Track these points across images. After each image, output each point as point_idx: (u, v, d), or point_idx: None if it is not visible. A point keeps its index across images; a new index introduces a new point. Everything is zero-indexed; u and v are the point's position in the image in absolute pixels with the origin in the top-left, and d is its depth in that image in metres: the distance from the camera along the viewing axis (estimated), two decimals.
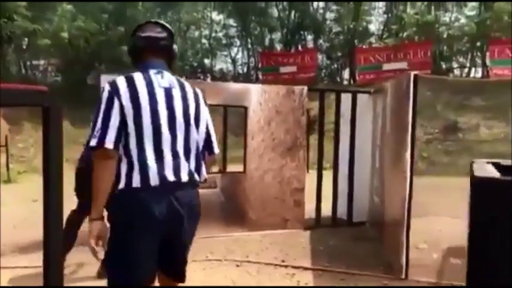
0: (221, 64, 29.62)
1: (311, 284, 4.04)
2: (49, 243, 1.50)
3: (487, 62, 18.57)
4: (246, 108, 5.79)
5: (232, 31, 28.15)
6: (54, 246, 1.53)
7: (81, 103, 10.93)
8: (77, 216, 4.21)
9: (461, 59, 22.52)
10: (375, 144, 5.89)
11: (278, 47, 25.11)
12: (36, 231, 5.70)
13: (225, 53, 28.54)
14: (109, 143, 1.96)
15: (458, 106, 15.69)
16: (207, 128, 2.24)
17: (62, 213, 1.64)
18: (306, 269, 4.42)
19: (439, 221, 5.98)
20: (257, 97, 5.85)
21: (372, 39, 23.50)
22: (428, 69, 15.82)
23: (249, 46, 27.11)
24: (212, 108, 5.65)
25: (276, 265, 4.52)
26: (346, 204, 6.28)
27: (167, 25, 2.29)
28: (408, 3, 21.40)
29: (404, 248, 4.12)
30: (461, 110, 15.58)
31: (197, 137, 2.16)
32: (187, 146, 2.11)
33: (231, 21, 27.91)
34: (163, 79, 2.13)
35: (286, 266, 4.48)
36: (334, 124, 6.34)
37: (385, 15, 23.51)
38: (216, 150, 2.28)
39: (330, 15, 24.68)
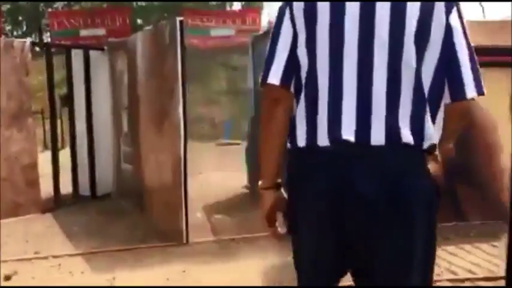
0: None
1: (86, 270, 3.39)
2: None
3: None
4: None
5: None
6: None
7: None
8: None
9: None
10: (119, 107, 5.35)
11: None
12: None
13: None
14: (273, 77, 1.29)
15: None
16: (453, 53, 1.22)
17: None
18: (71, 255, 3.68)
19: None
20: None
21: (62, 3, 21.88)
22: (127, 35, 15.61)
23: None
24: None
25: (30, 259, 3.60)
26: (88, 178, 5.56)
27: None
28: None
29: (183, 212, 3.88)
30: None
31: (416, 67, 1.21)
32: (393, 79, 1.20)
33: None
34: None
35: (45, 258, 3.62)
36: (67, 86, 5.49)
37: None
38: (472, 92, 1.23)
39: None
